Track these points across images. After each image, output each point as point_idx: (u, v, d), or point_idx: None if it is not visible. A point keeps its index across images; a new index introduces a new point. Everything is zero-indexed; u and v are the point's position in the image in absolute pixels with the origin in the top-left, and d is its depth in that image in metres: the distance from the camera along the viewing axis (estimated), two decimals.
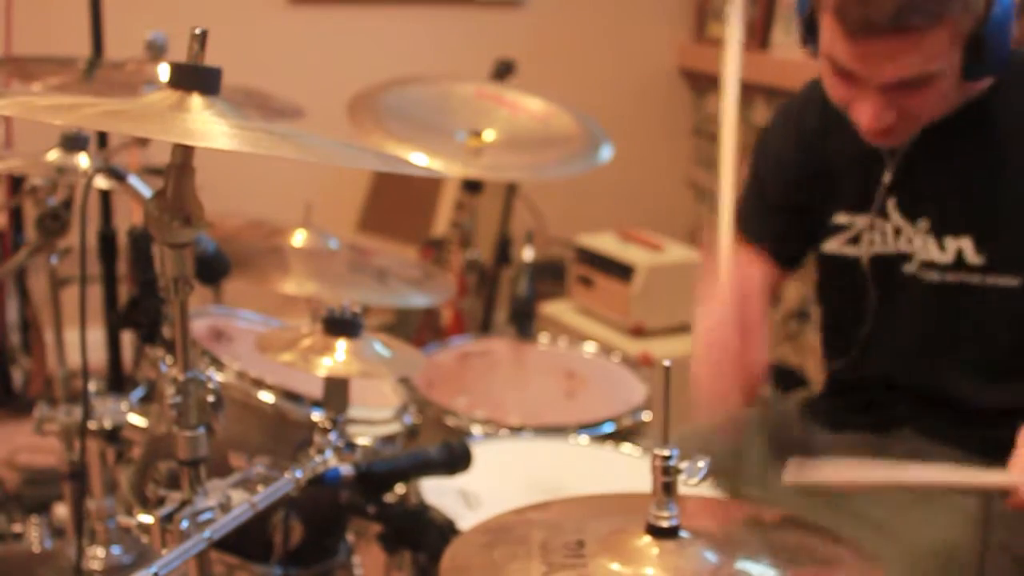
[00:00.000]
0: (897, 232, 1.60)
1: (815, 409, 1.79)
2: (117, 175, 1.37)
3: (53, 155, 1.54)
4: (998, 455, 1.43)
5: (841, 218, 1.65)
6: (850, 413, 1.72)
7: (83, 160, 1.54)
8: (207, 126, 0.96)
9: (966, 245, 1.53)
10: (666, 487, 0.99)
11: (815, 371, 3.31)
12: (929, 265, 1.57)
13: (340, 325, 1.43)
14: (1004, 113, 1.51)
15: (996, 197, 1.52)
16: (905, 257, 1.60)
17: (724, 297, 1.59)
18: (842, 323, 1.71)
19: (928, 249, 1.57)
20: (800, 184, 1.69)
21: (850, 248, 1.65)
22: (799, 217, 1.70)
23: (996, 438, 1.48)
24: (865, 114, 1.46)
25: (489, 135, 2.29)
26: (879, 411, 1.68)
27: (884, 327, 1.65)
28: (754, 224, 1.74)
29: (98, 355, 2.29)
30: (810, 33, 1.52)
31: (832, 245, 1.66)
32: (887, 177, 1.59)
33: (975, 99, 1.52)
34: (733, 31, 1.48)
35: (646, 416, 2.03)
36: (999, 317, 1.55)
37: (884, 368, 1.67)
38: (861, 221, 1.62)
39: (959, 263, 1.54)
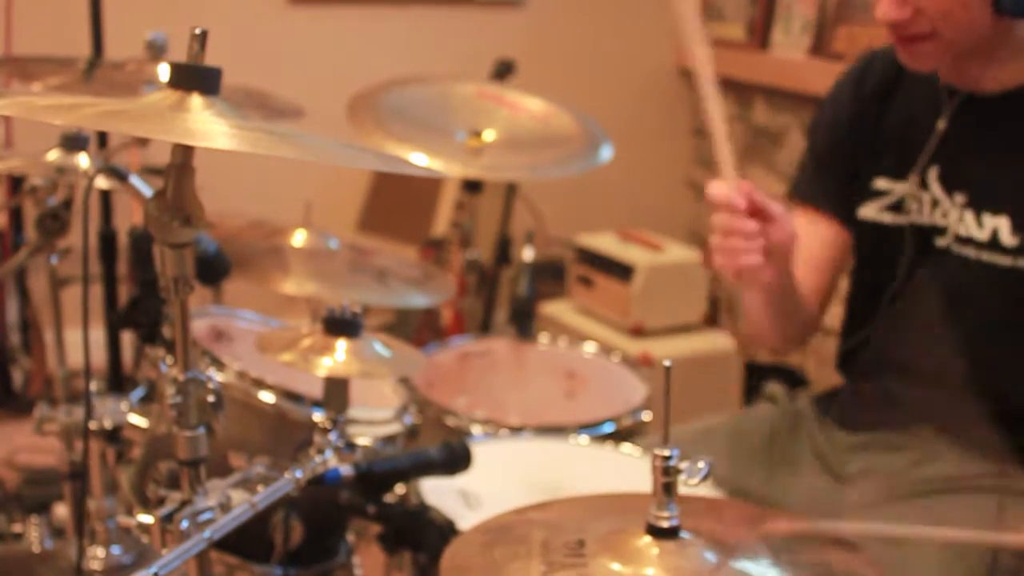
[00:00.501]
0: (935, 204, 1.59)
1: (829, 405, 1.77)
2: (118, 175, 1.37)
3: (53, 155, 1.54)
4: (1017, 451, 1.42)
5: (881, 183, 1.64)
6: (866, 409, 1.70)
7: (83, 160, 1.54)
8: (207, 126, 0.96)
9: (1003, 224, 1.52)
10: (666, 487, 0.99)
11: (815, 371, 3.31)
12: (963, 240, 1.56)
13: (340, 325, 1.43)
14: None
15: None
16: (940, 230, 1.59)
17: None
18: (869, 294, 1.69)
19: (964, 224, 1.56)
20: (848, 144, 1.69)
21: (887, 215, 1.64)
22: (849, 178, 1.69)
23: (1019, 442, 1.48)
24: (880, 4, 1.46)
25: (489, 135, 2.29)
26: (897, 406, 1.67)
27: (911, 301, 1.63)
28: (811, 188, 1.74)
29: (98, 355, 2.29)
30: None
31: (869, 211, 1.66)
32: (941, 124, 1.58)
33: None
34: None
35: (646, 416, 2.03)
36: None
37: (905, 349, 1.65)
38: (900, 188, 1.62)
39: (993, 242, 1.53)
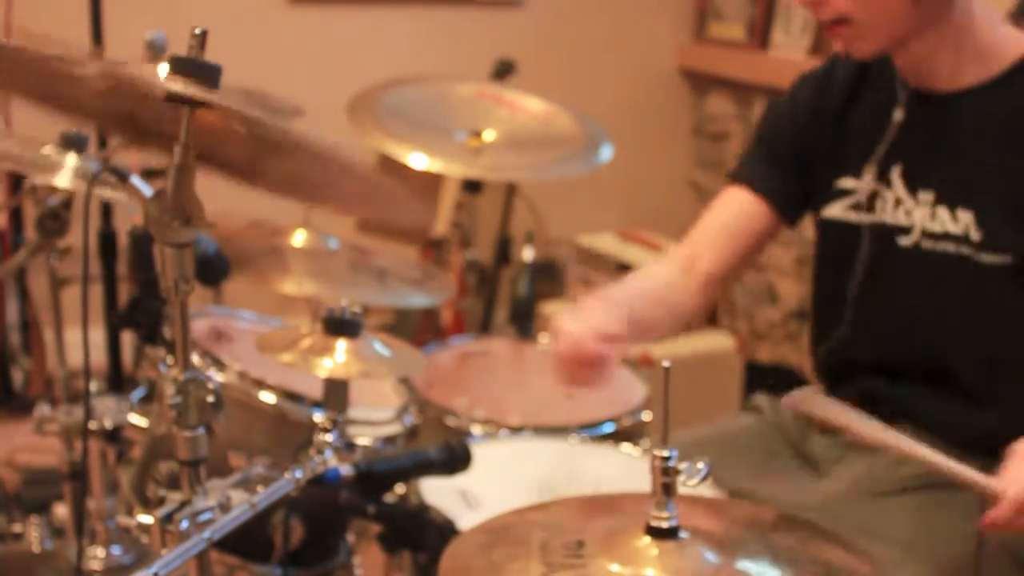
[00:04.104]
0: (897, 203, 1.59)
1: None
2: (119, 175, 1.37)
3: (48, 150, 1.54)
4: (998, 449, 1.43)
5: (846, 182, 1.64)
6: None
7: (80, 160, 1.54)
8: None
9: (967, 219, 1.53)
10: (666, 487, 0.99)
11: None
12: (936, 236, 1.56)
13: (340, 325, 1.43)
14: (1017, 95, 1.51)
15: (999, 176, 1.51)
16: (904, 229, 1.59)
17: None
18: (833, 295, 1.69)
19: (928, 221, 1.56)
20: (808, 141, 1.69)
21: (852, 214, 1.64)
22: (803, 173, 1.70)
23: (995, 428, 1.48)
24: None
25: (489, 135, 2.29)
26: (874, 405, 1.67)
27: (877, 299, 1.63)
28: (758, 173, 1.74)
29: (98, 355, 2.29)
30: None
31: (834, 210, 1.66)
32: (890, 137, 1.59)
33: (989, 80, 1.52)
34: None
35: (646, 416, 2.03)
36: (991, 296, 1.54)
37: (875, 348, 1.65)
38: (864, 186, 1.62)
39: (959, 237, 1.53)
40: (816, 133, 1.68)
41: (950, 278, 1.56)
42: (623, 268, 3.05)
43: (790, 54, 3.42)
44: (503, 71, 2.71)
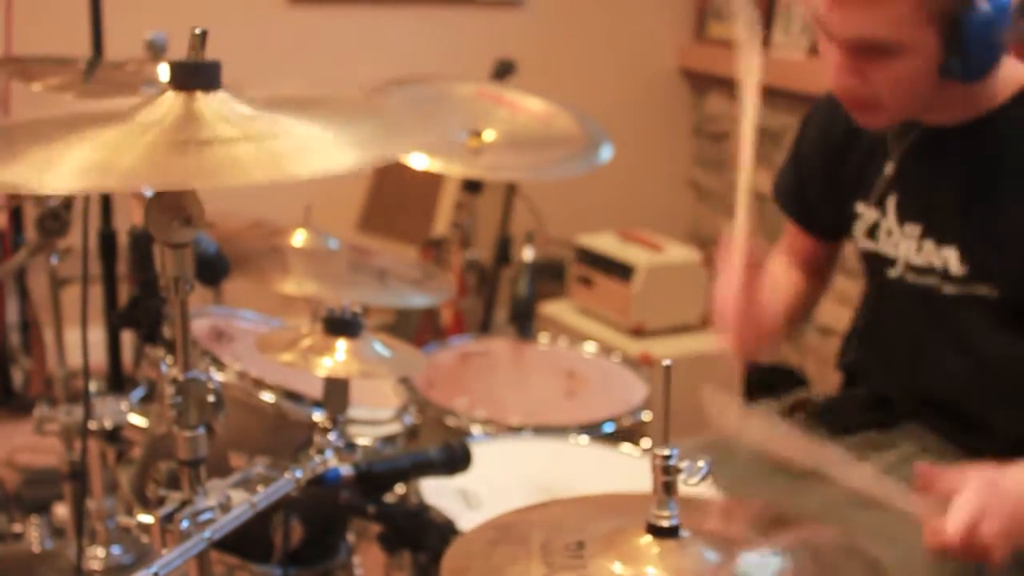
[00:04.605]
0: (889, 233, 1.60)
1: (822, 414, 1.78)
2: None
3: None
4: (1002, 453, 1.43)
5: (860, 207, 1.65)
6: (857, 411, 1.71)
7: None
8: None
9: (951, 255, 1.53)
10: (666, 487, 0.99)
11: (815, 371, 3.31)
12: (919, 270, 1.57)
13: (340, 325, 1.43)
14: (1007, 131, 1.49)
15: (987, 212, 1.51)
16: (890, 261, 1.60)
17: (734, 269, 1.61)
18: (860, 315, 1.73)
19: (913, 254, 1.57)
20: (836, 163, 1.69)
21: (866, 242, 1.65)
22: (831, 195, 1.71)
23: (995, 449, 1.48)
24: (830, 71, 1.46)
25: (489, 135, 2.29)
26: (887, 406, 1.68)
27: (877, 327, 1.66)
28: (789, 197, 1.78)
29: (98, 355, 2.29)
30: None
31: (857, 233, 1.67)
32: (888, 168, 1.59)
33: (984, 114, 1.50)
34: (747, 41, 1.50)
35: (646, 416, 2.03)
36: (978, 327, 1.54)
37: (881, 369, 1.68)
38: (870, 214, 1.63)
39: (943, 272, 1.54)
40: (842, 156, 1.67)
41: (933, 311, 1.56)
42: (623, 268, 3.05)
43: (790, 54, 3.42)
44: (503, 71, 2.70)
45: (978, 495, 1.33)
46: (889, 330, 1.65)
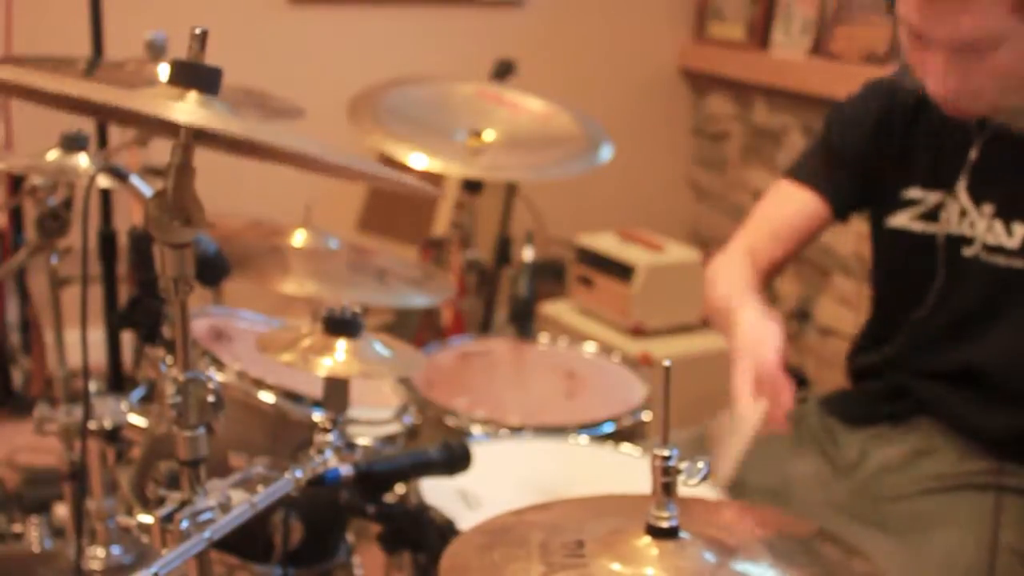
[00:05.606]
0: (962, 213, 1.60)
1: (834, 406, 1.78)
2: (118, 175, 1.37)
3: (53, 155, 1.54)
4: (1016, 444, 1.44)
5: (913, 192, 1.65)
6: (869, 403, 1.72)
7: (83, 160, 1.54)
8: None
9: (1022, 232, 1.54)
10: (666, 487, 0.99)
11: (815, 371, 3.31)
12: (992, 249, 1.58)
13: (340, 325, 1.43)
14: None
15: None
16: (967, 240, 1.60)
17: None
18: (898, 302, 1.71)
19: (992, 233, 1.57)
20: (873, 148, 1.69)
21: (918, 224, 1.65)
22: (867, 179, 1.71)
23: (1019, 426, 1.49)
24: (931, 76, 1.46)
25: (489, 135, 2.29)
26: (900, 399, 1.69)
27: (941, 308, 1.64)
28: (820, 173, 1.75)
29: (98, 355, 2.29)
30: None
31: (900, 219, 1.67)
32: (973, 154, 1.59)
33: None
34: None
35: (646, 416, 2.03)
36: None
37: (924, 354, 1.67)
38: (933, 197, 1.63)
39: (1012, 251, 1.55)
40: (885, 141, 1.67)
41: (1004, 289, 1.57)
42: (623, 268, 3.05)
43: (790, 54, 3.42)
44: (503, 71, 2.70)
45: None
46: (955, 311, 1.63)
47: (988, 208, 1.58)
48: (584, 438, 1.87)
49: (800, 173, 1.77)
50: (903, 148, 1.65)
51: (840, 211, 1.75)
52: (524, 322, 2.35)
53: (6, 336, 3.18)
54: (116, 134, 2.61)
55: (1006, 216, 1.56)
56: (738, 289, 1.67)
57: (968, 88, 1.45)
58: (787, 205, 1.77)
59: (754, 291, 1.67)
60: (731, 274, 1.73)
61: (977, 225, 1.59)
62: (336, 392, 1.43)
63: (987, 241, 1.58)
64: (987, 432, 1.59)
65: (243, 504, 1.17)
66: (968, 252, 1.60)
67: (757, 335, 1.54)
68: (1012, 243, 1.55)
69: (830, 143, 1.75)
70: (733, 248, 1.78)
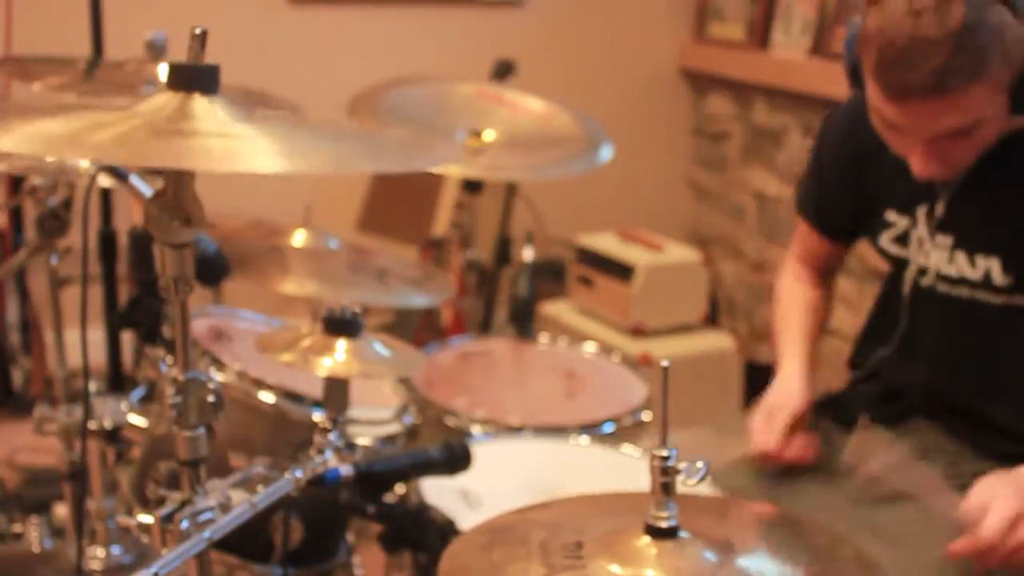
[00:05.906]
0: (920, 243, 1.61)
1: (827, 408, 1.79)
2: (118, 175, 1.37)
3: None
4: (1013, 446, 1.43)
5: (891, 215, 1.65)
6: (866, 406, 1.72)
7: (83, 160, 1.54)
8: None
9: (993, 265, 1.53)
10: (665, 487, 0.99)
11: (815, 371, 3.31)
12: (942, 279, 1.58)
13: (340, 325, 1.43)
14: None
15: None
16: (922, 270, 1.61)
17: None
18: (882, 322, 1.73)
19: (947, 264, 1.57)
20: (856, 169, 1.69)
21: (895, 247, 1.65)
22: (853, 201, 1.71)
23: (1016, 454, 1.49)
24: (915, 165, 1.47)
25: (489, 135, 2.29)
26: (898, 401, 1.69)
27: (911, 336, 1.66)
28: (810, 205, 1.81)
29: (98, 355, 2.29)
30: (856, 79, 1.50)
31: (884, 240, 1.67)
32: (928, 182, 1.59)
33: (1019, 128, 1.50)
34: None
35: (646, 416, 2.03)
36: (1018, 337, 1.55)
37: (907, 375, 1.69)
38: (903, 223, 1.63)
39: (981, 283, 1.54)
40: (869, 160, 1.67)
41: (969, 320, 1.57)
42: (623, 268, 3.05)
43: (790, 54, 3.42)
44: (503, 71, 2.70)
45: (1010, 500, 1.34)
46: (920, 333, 1.65)
47: (944, 239, 1.58)
48: (584, 438, 1.87)
49: (800, 206, 1.83)
50: (884, 168, 1.65)
51: (838, 239, 1.81)
52: (524, 322, 2.35)
53: (6, 336, 3.18)
54: None
55: (968, 248, 1.55)
56: (790, 332, 1.78)
57: (951, 164, 1.47)
58: (808, 239, 1.84)
59: (808, 337, 1.78)
60: (792, 301, 1.83)
61: (931, 255, 1.59)
62: (336, 392, 1.43)
63: (944, 271, 1.58)
64: (979, 447, 1.59)
65: (243, 504, 1.17)
66: (925, 281, 1.61)
67: (782, 397, 1.68)
68: (975, 275, 1.55)
69: (819, 166, 1.77)
70: (792, 269, 1.87)
